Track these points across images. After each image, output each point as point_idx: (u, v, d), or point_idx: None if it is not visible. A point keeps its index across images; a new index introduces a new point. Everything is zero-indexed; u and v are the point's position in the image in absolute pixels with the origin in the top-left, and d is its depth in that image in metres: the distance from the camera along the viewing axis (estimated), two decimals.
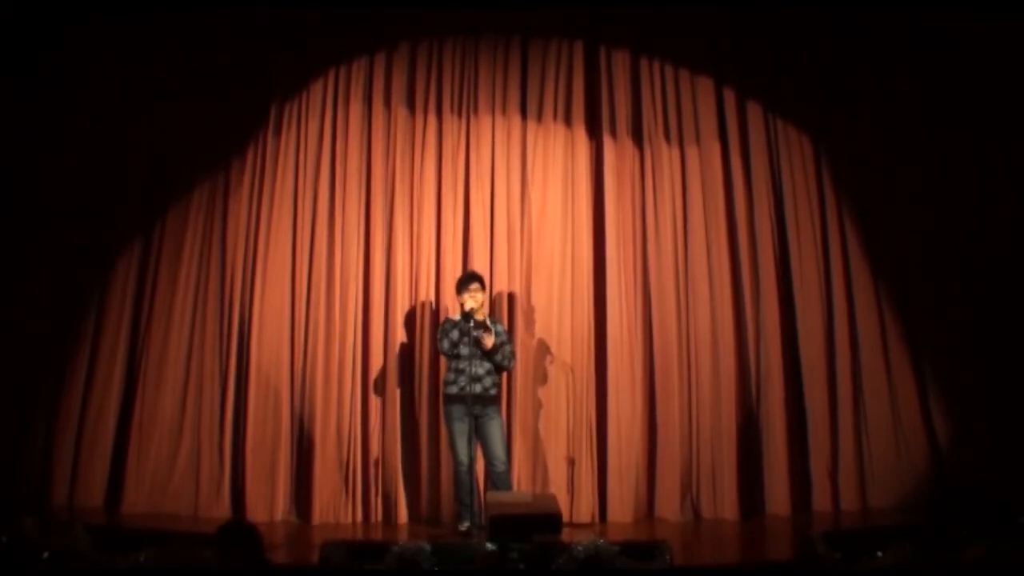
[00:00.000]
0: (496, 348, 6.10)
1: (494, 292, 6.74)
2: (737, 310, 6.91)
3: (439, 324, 6.46)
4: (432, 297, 6.83)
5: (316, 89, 7.01)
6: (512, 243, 6.87)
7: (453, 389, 6.10)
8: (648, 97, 7.05)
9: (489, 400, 6.12)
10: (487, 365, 6.11)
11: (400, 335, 6.78)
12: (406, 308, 6.81)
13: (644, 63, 7.08)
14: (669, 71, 7.09)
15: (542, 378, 6.79)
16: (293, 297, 6.80)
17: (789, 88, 7.11)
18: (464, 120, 7.01)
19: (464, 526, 6.02)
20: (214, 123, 6.97)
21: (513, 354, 6.39)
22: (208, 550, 3.53)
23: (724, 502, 6.67)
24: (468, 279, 6.26)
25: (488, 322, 6.22)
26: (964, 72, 7.00)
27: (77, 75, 6.99)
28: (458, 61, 7.06)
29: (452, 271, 6.78)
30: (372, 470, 6.65)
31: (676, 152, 7.04)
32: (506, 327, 6.51)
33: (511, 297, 6.83)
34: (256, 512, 6.46)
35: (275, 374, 6.71)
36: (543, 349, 6.82)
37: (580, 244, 6.92)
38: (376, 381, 6.74)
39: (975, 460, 6.57)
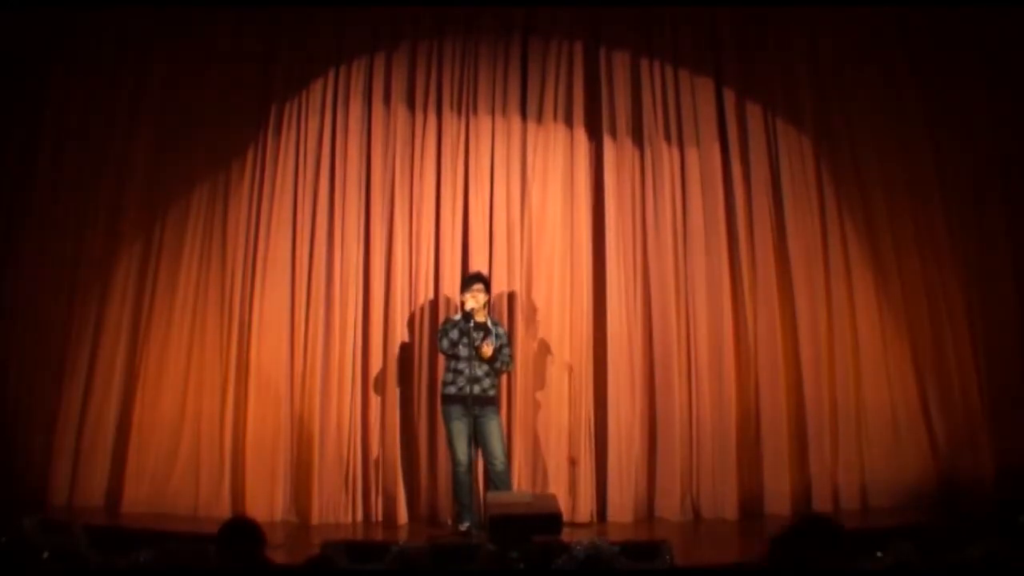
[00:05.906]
0: (495, 355, 6.10)
1: (494, 292, 6.74)
2: (737, 310, 6.90)
3: (439, 324, 6.47)
4: (431, 297, 6.82)
5: (316, 89, 7.01)
6: (512, 243, 6.87)
7: (452, 389, 6.10)
8: (648, 97, 7.04)
9: (488, 400, 6.12)
10: (486, 366, 6.12)
11: (399, 335, 6.78)
12: (405, 308, 6.81)
13: (644, 63, 7.08)
14: (669, 71, 7.08)
15: (542, 378, 6.79)
16: (293, 297, 6.80)
17: (789, 88, 7.10)
18: (464, 120, 7.01)
19: (464, 526, 6.02)
20: (214, 123, 6.98)
21: (511, 357, 6.40)
22: (210, 547, 3.52)
23: (724, 502, 6.65)
24: (472, 279, 6.27)
25: (489, 323, 6.21)
26: (964, 71, 7.00)
27: (75, 73, 6.99)
28: (458, 61, 7.06)
29: (452, 271, 6.79)
30: (372, 470, 6.66)
31: (676, 152, 7.03)
32: (506, 327, 6.51)
33: (511, 297, 6.83)
34: (256, 512, 6.42)
35: (275, 374, 6.71)
36: (543, 349, 6.82)
37: (580, 244, 6.91)
38: (376, 381, 6.74)
39: (975, 460, 6.57)
